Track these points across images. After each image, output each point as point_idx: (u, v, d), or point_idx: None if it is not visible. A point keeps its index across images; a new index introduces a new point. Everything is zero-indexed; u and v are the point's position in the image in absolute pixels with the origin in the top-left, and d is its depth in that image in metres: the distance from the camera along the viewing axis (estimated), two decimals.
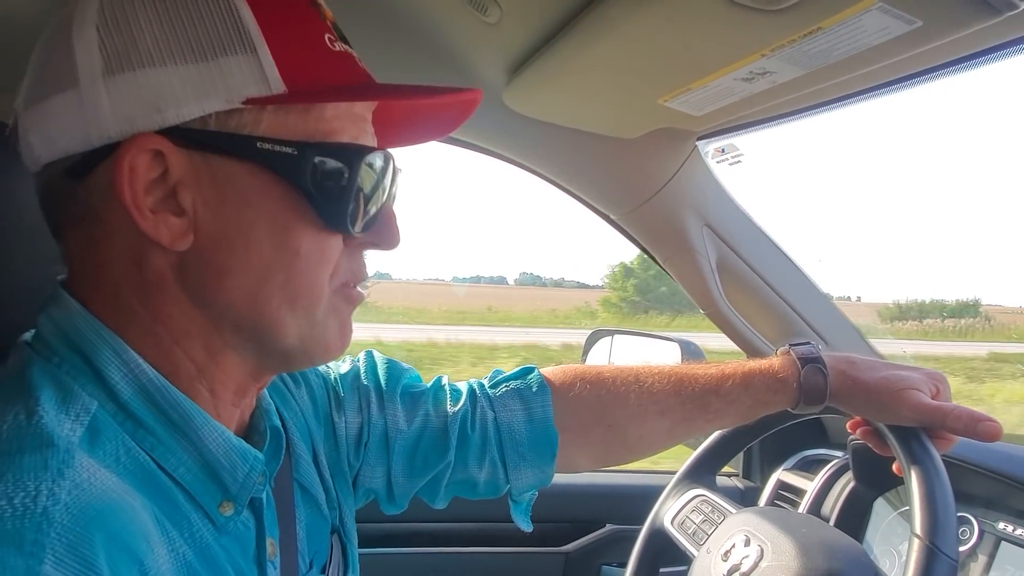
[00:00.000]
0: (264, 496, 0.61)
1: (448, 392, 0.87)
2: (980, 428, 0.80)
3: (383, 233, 0.62)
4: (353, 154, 0.56)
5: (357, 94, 0.58)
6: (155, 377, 0.53)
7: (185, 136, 0.52)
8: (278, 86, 0.53)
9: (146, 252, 0.53)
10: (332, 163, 0.55)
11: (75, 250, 0.56)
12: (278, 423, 0.67)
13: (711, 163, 1.27)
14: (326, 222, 0.55)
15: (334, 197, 0.55)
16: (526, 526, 0.90)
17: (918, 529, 0.74)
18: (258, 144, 0.53)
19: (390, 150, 0.61)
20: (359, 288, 0.63)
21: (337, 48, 0.57)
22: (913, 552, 0.73)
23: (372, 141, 0.60)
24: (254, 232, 0.54)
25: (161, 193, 0.52)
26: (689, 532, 1.07)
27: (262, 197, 0.54)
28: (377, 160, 0.58)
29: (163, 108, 0.51)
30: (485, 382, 0.90)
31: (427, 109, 0.66)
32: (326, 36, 0.57)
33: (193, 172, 0.53)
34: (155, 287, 0.54)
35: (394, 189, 0.62)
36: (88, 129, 0.51)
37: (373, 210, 0.59)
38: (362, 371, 0.85)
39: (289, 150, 0.53)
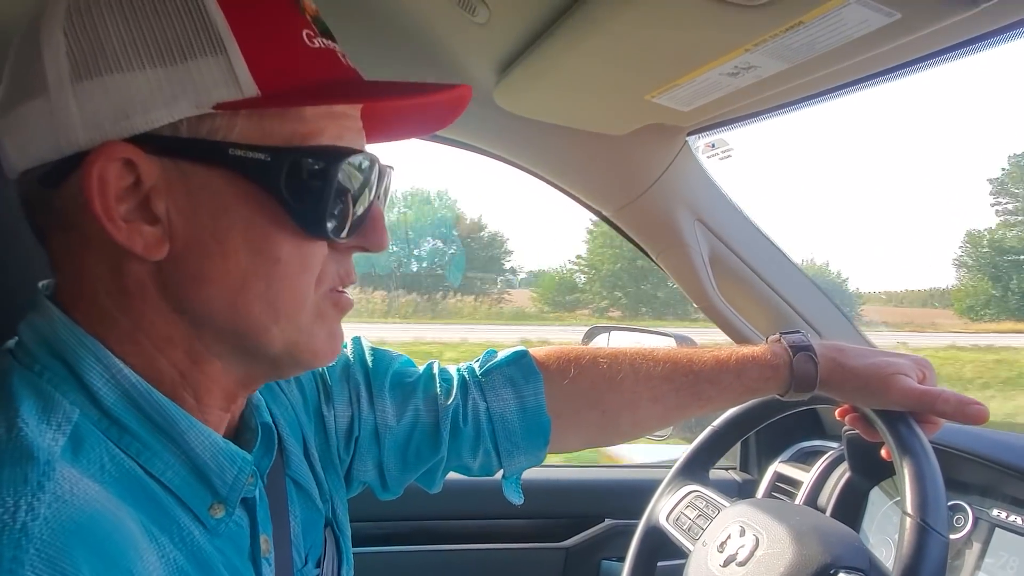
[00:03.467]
0: (257, 494, 0.60)
1: (439, 382, 0.85)
2: (968, 411, 0.81)
3: (370, 236, 0.60)
4: (331, 158, 0.53)
5: (333, 96, 0.55)
6: (138, 382, 0.52)
7: (156, 143, 0.50)
8: (250, 89, 0.50)
9: (123, 261, 0.52)
10: (309, 168, 0.52)
11: (57, 257, 0.55)
12: (269, 419, 0.66)
13: (701, 158, 1.28)
14: (306, 229, 0.53)
15: (312, 203, 0.53)
16: (517, 499, 0.90)
17: (909, 508, 0.76)
18: (230, 151, 0.51)
19: (377, 148, 0.60)
20: (345, 294, 0.61)
21: (317, 44, 0.55)
22: (905, 530, 0.74)
23: (357, 139, 0.58)
24: (231, 240, 0.52)
25: (134, 202, 0.51)
26: (684, 528, 1.08)
27: (238, 204, 0.52)
28: (360, 161, 0.56)
29: (131, 114, 0.49)
30: (476, 367, 0.89)
31: (416, 106, 0.64)
32: (304, 32, 0.54)
33: (166, 180, 0.51)
34: (135, 295, 0.53)
35: (381, 189, 0.61)
36: (58, 137, 0.50)
37: (359, 212, 0.57)
38: (351, 361, 0.83)
39: (262, 156, 0.51)
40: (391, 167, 0.63)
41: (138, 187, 0.51)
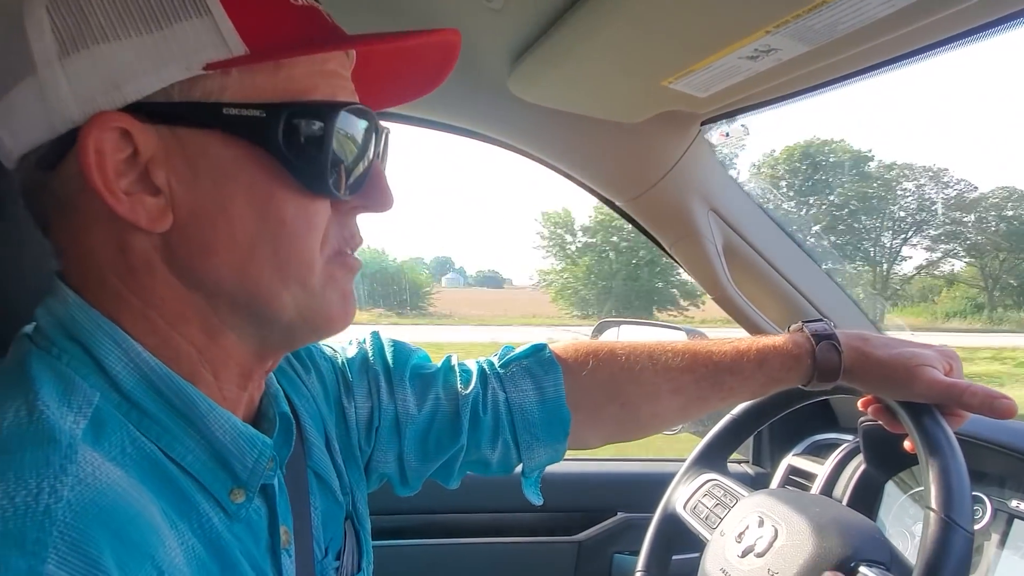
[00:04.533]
0: (276, 483, 0.59)
1: (458, 373, 0.85)
2: (996, 405, 0.79)
3: (372, 195, 0.59)
4: (327, 110, 0.53)
5: (320, 46, 0.54)
6: (157, 365, 0.52)
7: (149, 111, 0.50)
8: (238, 47, 0.50)
9: (128, 237, 0.51)
10: (305, 122, 0.52)
11: (60, 242, 0.54)
12: (287, 409, 0.65)
13: (715, 147, 1.27)
14: (307, 186, 0.53)
15: (312, 158, 0.52)
16: (537, 499, 0.89)
17: (933, 503, 0.74)
18: (224, 111, 0.50)
19: (385, 121, 0.59)
20: (353, 255, 0.60)
21: (300, 3, 0.54)
22: (929, 526, 0.73)
23: (351, 98, 0.57)
24: (234, 205, 0.51)
25: (134, 174, 0.50)
26: (702, 516, 1.07)
27: (237, 167, 0.51)
28: (356, 116, 0.55)
29: (122, 84, 0.49)
30: (495, 360, 0.88)
31: (408, 59, 0.62)
32: None
33: (163, 148, 0.50)
34: (142, 272, 0.52)
35: (380, 148, 0.59)
36: (50, 115, 0.49)
37: (360, 170, 0.56)
38: (370, 354, 0.83)
39: (257, 113, 0.51)
40: (387, 128, 0.62)
41: (136, 158, 0.50)
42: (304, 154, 0.52)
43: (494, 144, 1.29)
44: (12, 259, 0.70)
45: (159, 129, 0.50)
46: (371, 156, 0.58)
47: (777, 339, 0.89)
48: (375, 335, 0.86)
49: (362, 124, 0.56)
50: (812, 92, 1.05)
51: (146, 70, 0.49)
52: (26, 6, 0.50)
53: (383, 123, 0.60)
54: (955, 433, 0.80)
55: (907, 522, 1.18)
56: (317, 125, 0.52)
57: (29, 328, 0.55)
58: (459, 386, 0.84)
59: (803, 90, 1.04)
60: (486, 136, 1.27)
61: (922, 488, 1.17)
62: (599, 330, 1.86)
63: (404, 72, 0.64)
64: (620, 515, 1.59)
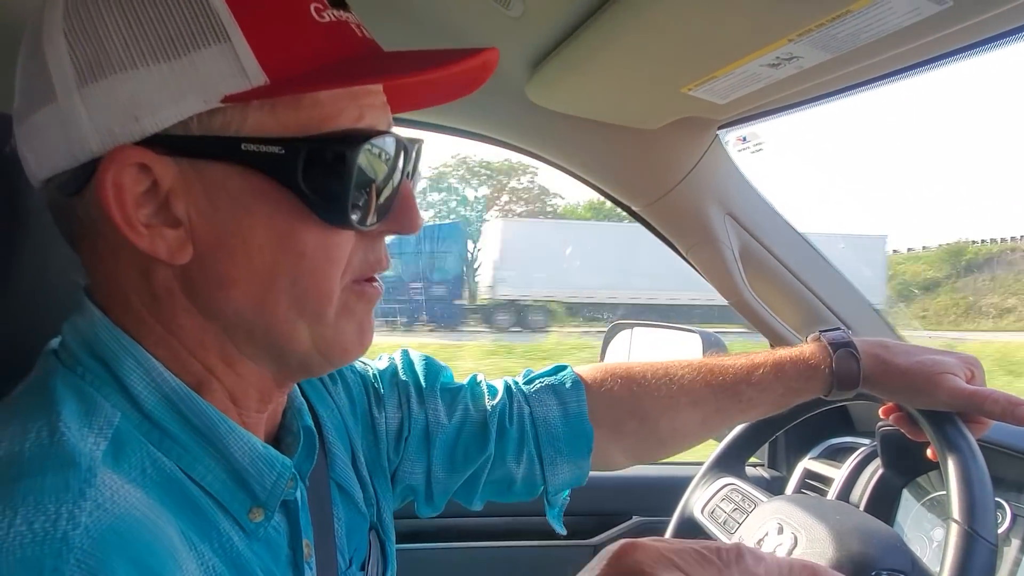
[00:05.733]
0: (299, 496, 0.59)
1: (485, 388, 0.86)
2: (1018, 412, 0.79)
3: (400, 219, 0.57)
4: (349, 143, 0.50)
5: (347, 78, 0.51)
6: (178, 386, 0.52)
7: (167, 144, 0.48)
8: (258, 77, 0.48)
9: (150, 266, 0.51)
10: (326, 157, 0.50)
11: (88, 262, 0.55)
12: (311, 423, 0.65)
13: (732, 152, 1.27)
14: (328, 220, 0.51)
15: (334, 193, 0.50)
16: (560, 529, 0.89)
17: (956, 514, 0.74)
18: (242, 146, 0.49)
19: (401, 127, 0.56)
20: (373, 283, 0.58)
21: (327, 18, 0.51)
22: (952, 537, 0.73)
23: (381, 115, 0.55)
24: (254, 237, 0.50)
25: (153, 206, 0.49)
26: (720, 521, 1.07)
27: (257, 200, 0.50)
28: (383, 142, 0.53)
29: (140, 116, 0.47)
30: (519, 379, 0.89)
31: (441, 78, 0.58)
32: (312, 7, 0.51)
33: (183, 180, 0.49)
34: (164, 300, 0.52)
35: (408, 167, 0.57)
36: (71, 145, 0.48)
37: (385, 196, 0.54)
38: (400, 368, 0.84)
39: (276, 149, 0.49)
40: (419, 140, 0.60)
41: (156, 190, 0.49)
42: (325, 189, 0.50)
43: (511, 149, 1.29)
44: (37, 269, 0.70)
45: (179, 161, 0.49)
46: (399, 179, 0.56)
47: (793, 349, 0.89)
48: (404, 352, 0.87)
49: (389, 148, 0.54)
50: (831, 97, 1.05)
51: (164, 102, 0.47)
52: (45, 28, 0.49)
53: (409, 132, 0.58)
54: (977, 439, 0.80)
55: (925, 527, 1.17)
56: (338, 159, 0.50)
57: (55, 343, 0.55)
58: (486, 399, 0.85)
59: (822, 96, 1.04)
60: (503, 142, 1.28)
61: (941, 493, 1.17)
62: (612, 332, 1.86)
63: (433, 85, 0.62)
64: (635, 519, 1.59)
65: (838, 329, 0.89)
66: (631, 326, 1.82)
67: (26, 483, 0.42)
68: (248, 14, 0.48)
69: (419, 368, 0.85)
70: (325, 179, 0.50)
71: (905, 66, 0.91)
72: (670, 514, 1.14)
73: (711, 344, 1.48)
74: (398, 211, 0.56)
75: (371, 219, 0.54)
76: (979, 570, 0.71)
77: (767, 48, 0.79)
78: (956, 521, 0.74)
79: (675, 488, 1.16)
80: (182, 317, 0.53)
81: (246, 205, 0.50)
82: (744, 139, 1.24)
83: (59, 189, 0.51)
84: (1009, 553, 1.04)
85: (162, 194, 0.49)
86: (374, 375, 0.82)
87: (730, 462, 1.13)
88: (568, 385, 0.87)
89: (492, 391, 0.86)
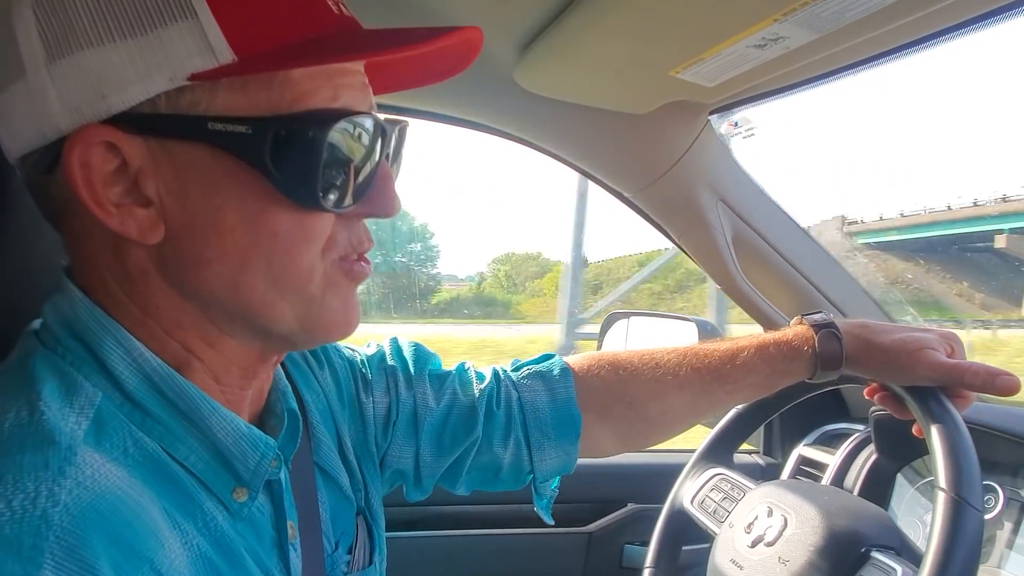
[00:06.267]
0: (283, 478, 0.59)
1: (473, 374, 0.87)
2: (998, 383, 0.79)
3: (375, 201, 0.55)
4: (320, 123, 0.49)
5: (319, 55, 0.49)
6: (159, 366, 0.51)
7: (135, 122, 0.47)
8: (225, 55, 0.47)
9: (123, 246, 0.50)
10: (295, 138, 0.48)
11: (66, 242, 0.54)
12: (295, 405, 0.64)
13: (724, 137, 1.27)
14: (297, 201, 0.50)
15: (303, 175, 0.49)
16: (548, 519, 0.90)
17: (943, 483, 0.74)
18: (208, 125, 0.47)
19: (388, 113, 0.56)
20: (361, 262, 0.57)
21: None
22: (939, 506, 0.73)
23: (359, 96, 0.53)
24: (225, 217, 0.49)
25: (123, 184, 0.49)
26: (709, 511, 1.07)
27: (227, 181, 0.49)
28: (358, 123, 0.51)
29: (107, 93, 0.46)
30: (507, 367, 0.90)
31: (423, 56, 0.57)
32: None
33: (152, 159, 0.48)
34: (138, 280, 0.51)
35: (388, 149, 0.56)
36: (40, 122, 0.48)
37: (363, 176, 0.53)
38: (388, 353, 0.84)
39: (243, 128, 0.48)
40: (401, 121, 0.59)
41: (125, 169, 0.48)
42: (294, 170, 0.49)
43: (500, 136, 1.29)
44: (20, 253, 0.70)
45: (147, 140, 0.48)
46: (376, 160, 0.54)
47: (777, 332, 0.89)
48: (394, 339, 0.88)
49: (365, 128, 0.52)
50: (821, 80, 1.05)
51: (131, 79, 0.46)
52: (14, 4, 0.48)
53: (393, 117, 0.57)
54: (968, 423, 0.80)
55: (919, 511, 1.18)
56: (309, 140, 0.49)
57: (36, 324, 0.55)
58: (475, 384, 0.85)
59: (812, 78, 1.04)
60: (492, 128, 1.27)
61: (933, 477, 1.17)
62: (608, 321, 1.85)
63: (421, 62, 0.60)
64: (631, 506, 1.59)
65: (820, 312, 0.90)
66: (628, 315, 1.82)
67: (5, 461, 0.42)
68: None
69: (408, 354, 0.85)
70: (294, 160, 0.49)
71: (896, 46, 0.91)
72: (665, 501, 1.14)
73: (707, 332, 1.48)
74: (375, 193, 0.55)
75: (347, 201, 0.52)
76: (968, 537, 0.70)
77: (753, 28, 0.79)
78: (943, 489, 0.74)
79: (670, 475, 1.16)
80: (158, 297, 0.52)
81: (216, 185, 0.49)
82: (736, 124, 1.24)
83: (33, 167, 0.51)
84: (1001, 536, 1.04)
85: (132, 173, 0.49)
86: (362, 361, 0.82)
87: (718, 452, 1.13)
88: (556, 372, 0.87)
89: (480, 377, 0.87)
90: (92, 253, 0.52)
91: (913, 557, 0.83)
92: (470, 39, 0.54)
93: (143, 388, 0.51)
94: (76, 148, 0.47)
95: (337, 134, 0.50)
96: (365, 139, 0.52)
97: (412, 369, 0.83)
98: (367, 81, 0.55)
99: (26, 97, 0.48)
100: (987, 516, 1.04)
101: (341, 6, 0.53)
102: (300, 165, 0.49)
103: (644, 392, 0.88)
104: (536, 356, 0.91)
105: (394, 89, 0.63)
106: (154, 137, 0.48)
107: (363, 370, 0.81)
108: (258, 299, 0.52)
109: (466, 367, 0.88)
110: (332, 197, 0.51)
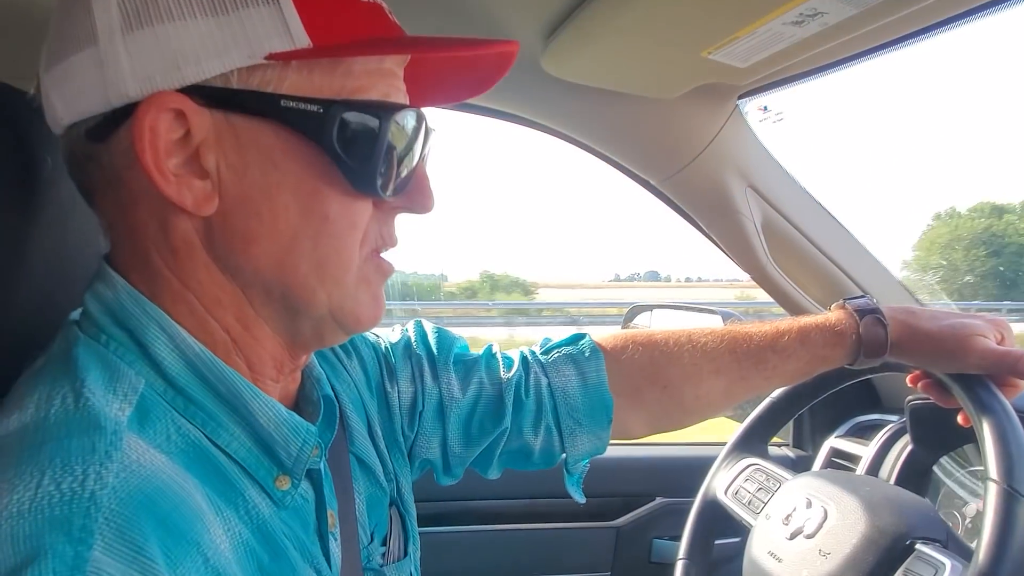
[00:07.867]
0: (322, 467, 0.59)
1: (500, 359, 0.85)
2: None
3: (415, 196, 0.59)
4: (382, 112, 0.52)
5: (386, 47, 0.54)
6: (201, 351, 0.52)
7: (206, 94, 0.50)
8: (302, 39, 0.50)
9: (171, 217, 0.51)
10: (360, 122, 0.52)
11: (107, 216, 0.55)
12: (330, 392, 0.65)
13: (752, 123, 1.25)
14: (355, 185, 0.53)
15: (363, 158, 0.52)
16: (579, 497, 0.88)
17: (994, 474, 0.72)
18: (281, 102, 0.50)
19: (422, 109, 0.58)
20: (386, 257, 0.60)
21: (366, 0, 0.54)
22: (991, 497, 0.71)
23: (403, 99, 0.57)
24: (280, 196, 0.51)
25: (184, 155, 0.50)
26: (744, 502, 1.06)
27: (287, 159, 0.51)
28: (408, 118, 0.55)
29: (183, 65, 0.49)
30: (536, 349, 0.88)
31: (462, 64, 0.62)
32: None
33: (216, 133, 0.50)
34: (182, 253, 0.52)
35: (426, 150, 0.59)
36: (107, 89, 0.49)
37: (405, 172, 0.56)
38: (413, 340, 0.83)
39: (314, 108, 0.50)
40: (435, 128, 0.62)
41: (188, 140, 0.50)
42: (356, 153, 0.52)
43: (526, 125, 1.27)
44: (52, 246, 0.69)
45: (213, 113, 0.50)
46: (418, 157, 0.57)
47: (819, 316, 0.87)
48: (418, 323, 0.86)
49: (413, 125, 0.56)
50: (854, 60, 1.02)
51: (208, 54, 0.49)
52: None
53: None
54: (1018, 412, 0.78)
55: (957, 504, 1.15)
56: (371, 125, 0.52)
57: (76, 314, 0.55)
58: (502, 371, 0.83)
59: (845, 58, 1.01)
60: (519, 117, 1.26)
61: (974, 468, 1.14)
62: (631, 315, 1.84)
63: (452, 77, 0.64)
64: (659, 500, 1.58)
65: (863, 296, 0.87)
66: (651, 308, 1.81)
67: (52, 446, 0.43)
68: None
69: (432, 340, 0.84)
70: (356, 143, 0.52)
71: (937, 21, 0.88)
72: (694, 495, 1.13)
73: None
74: (414, 189, 0.58)
75: (391, 191, 0.55)
76: (1022, 528, 0.68)
77: (791, 4, 0.76)
78: (995, 480, 0.72)
79: (699, 469, 1.14)
80: (201, 272, 0.53)
81: (276, 162, 0.51)
82: (765, 108, 1.21)
83: (86, 135, 0.51)
84: None
85: (193, 144, 0.50)
86: (386, 348, 0.81)
87: (752, 442, 1.11)
88: (587, 354, 0.85)
89: (508, 362, 0.85)
90: (136, 224, 0.52)
91: (959, 549, 0.80)
92: (505, 53, 0.58)
93: (186, 374, 0.52)
94: (149, 112, 0.48)
95: (394, 125, 0.53)
96: (413, 134, 0.56)
97: (437, 356, 0.82)
98: (405, 89, 0.58)
99: (94, 63, 0.49)
100: None
101: (394, 17, 0.57)
102: (362, 149, 0.52)
103: (680, 377, 0.86)
104: (567, 336, 0.89)
105: (428, 104, 0.66)
106: (221, 111, 0.50)
107: (388, 358, 0.81)
108: (300, 281, 0.53)
109: (493, 351, 0.87)
110: (382, 184, 0.54)
